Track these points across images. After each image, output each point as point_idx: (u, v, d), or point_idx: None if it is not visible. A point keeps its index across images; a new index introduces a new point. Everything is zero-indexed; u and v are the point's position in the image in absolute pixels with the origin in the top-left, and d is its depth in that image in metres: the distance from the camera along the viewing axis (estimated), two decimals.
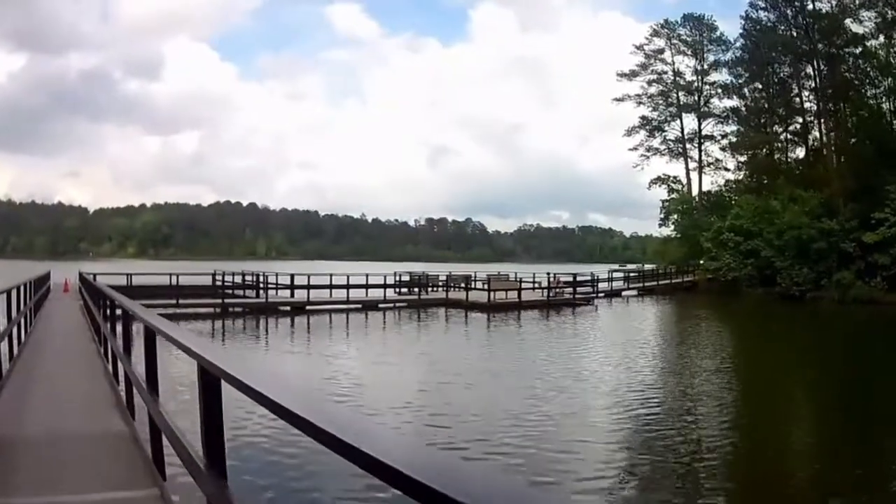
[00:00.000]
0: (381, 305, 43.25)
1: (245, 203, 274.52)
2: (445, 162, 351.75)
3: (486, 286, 47.28)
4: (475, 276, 52.59)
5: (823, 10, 72.08)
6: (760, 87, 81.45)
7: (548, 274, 52.66)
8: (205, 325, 34.01)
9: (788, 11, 75.69)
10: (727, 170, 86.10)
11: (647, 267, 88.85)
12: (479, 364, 23.29)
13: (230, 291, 43.53)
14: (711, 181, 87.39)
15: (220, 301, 39.60)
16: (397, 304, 44.65)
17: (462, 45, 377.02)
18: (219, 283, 44.84)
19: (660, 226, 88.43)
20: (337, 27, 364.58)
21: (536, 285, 51.74)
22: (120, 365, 9.84)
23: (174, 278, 38.72)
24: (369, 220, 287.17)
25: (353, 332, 33.83)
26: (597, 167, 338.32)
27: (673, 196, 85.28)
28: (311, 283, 42.22)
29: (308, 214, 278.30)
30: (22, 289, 16.36)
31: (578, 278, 55.06)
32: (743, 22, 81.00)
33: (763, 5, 77.99)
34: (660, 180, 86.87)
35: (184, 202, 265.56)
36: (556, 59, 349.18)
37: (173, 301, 36.67)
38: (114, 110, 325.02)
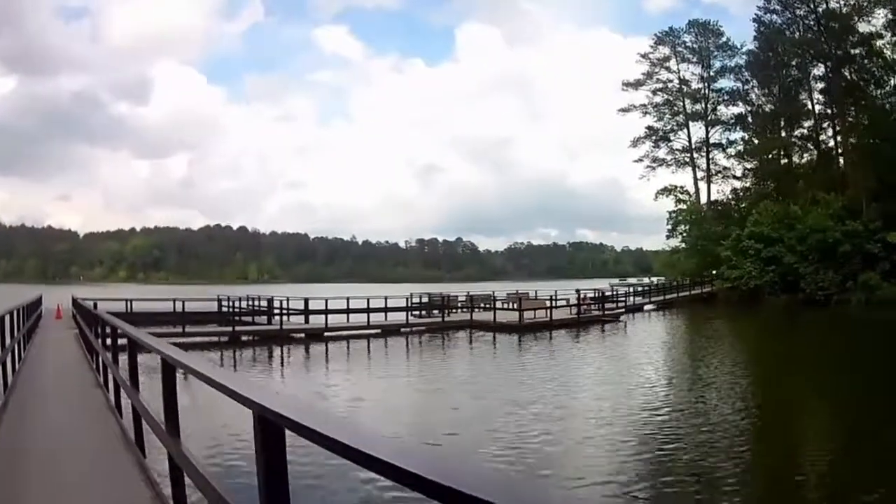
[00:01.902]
0: (402, 330, 39.75)
1: (235, 226, 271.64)
2: (434, 181, 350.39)
3: (514, 306, 44.38)
4: (494, 296, 49.51)
5: (837, 10, 71.12)
6: (776, 90, 79.82)
7: (577, 291, 49.44)
8: (214, 355, 30.49)
9: (800, 12, 74.51)
10: (735, 178, 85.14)
11: (651, 280, 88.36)
12: (572, 404, 19.09)
13: (237, 318, 39.51)
14: (717, 190, 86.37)
15: (230, 329, 35.72)
16: (415, 328, 41.04)
17: (448, 65, 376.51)
18: (226, 309, 41.50)
19: (667, 237, 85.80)
20: (324, 49, 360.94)
21: (564, 303, 48.54)
22: (142, 421, 7.36)
23: (178, 304, 35.14)
24: (359, 242, 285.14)
25: (383, 362, 30.12)
26: (584, 183, 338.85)
27: (680, 206, 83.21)
28: (324, 307, 38.52)
29: (298, 237, 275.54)
30: (10, 317, 14.32)
31: (598, 294, 52.94)
32: (756, 25, 79.67)
33: (776, 7, 76.82)
34: (666, 191, 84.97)
35: (174, 226, 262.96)
36: (543, 76, 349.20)
37: (179, 329, 33.16)
38: (103, 133, 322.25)
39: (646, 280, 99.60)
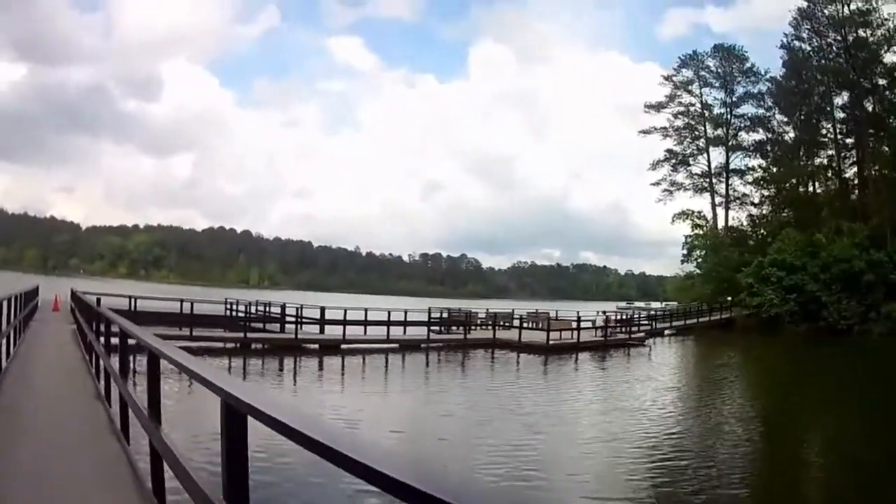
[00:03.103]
0: (423, 346, 37.24)
1: (239, 230, 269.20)
2: (439, 196, 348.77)
3: (538, 325, 42.77)
4: (514, 314, 47.38)
5: (865, 39, 70.22)
6: (798, 117, 78.76)
7: (602, 312, 47.56)
8: (221, 362, 28.01)
9: (829, 40, 73.59)
10: (754, 204, 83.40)
11: (664, 305, 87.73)
12: (643, 439, 16.53)
13: (248, 324, 36.71)
14: (733, 216, 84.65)
15: (241, 335, 33.06)
16: (436, 345, 38.25)
17: (459, 81, 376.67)
18: (239, 314, 39.10)
19: (682, 262, 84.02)
20: (336, 58, 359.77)
21: (588, 324, 46.03)
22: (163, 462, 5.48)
23: (186, 305, 32.51)
24: (363, 254, 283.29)
25: (409, 382, 27.42)
26: (587, 205, 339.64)
27: (696, 232, 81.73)
28: (342, 318, 35.91)
29: (302, 245, 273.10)
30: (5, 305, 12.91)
31: (625, 317, 52.09)
32: (784, 51, 78.36)
33: (804, 35, 75.81)
34: (684, 215, 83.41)
35: (177, 225, 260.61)
36: (551, 96, 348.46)
37: (186, 332, 30.67)
38: (111, 127, 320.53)
39: (654, 304, 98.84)
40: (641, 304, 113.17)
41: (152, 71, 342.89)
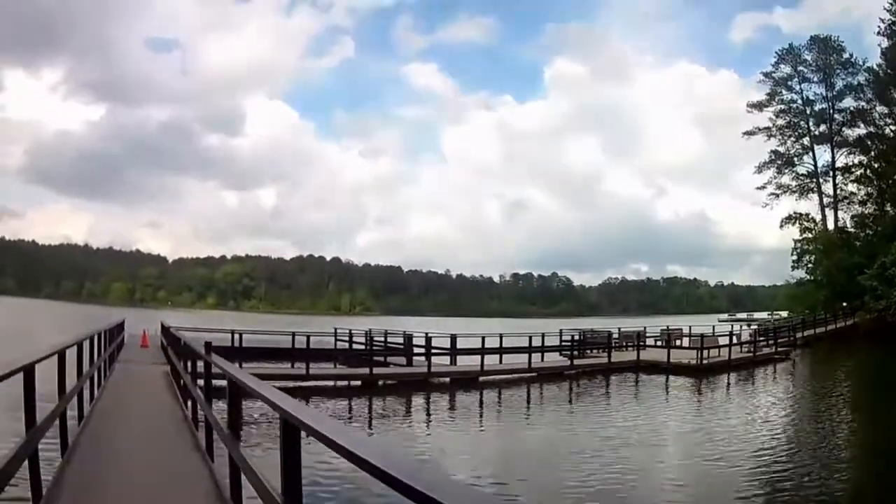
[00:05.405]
0: (566, 373, 32.71)
1: (328, 257, 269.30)
2: (524, 216, 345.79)
3: (692, 344, 38.41)
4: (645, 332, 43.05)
5: None
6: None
7: (749, 325, 42.90)
8: (340, 404, 23.73)
9: None
10: (862, 203, 77.18)
11: (772, 315, 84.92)
12: None
13: (366, 357, 32.17)
14: (841, 217, 79.25)
15: (365, 371, 28.29)
16: (579, 371, 33.81)
17: (537, 101, 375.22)
18: (356, 345, 34.98)
19: (793, 268, 78.19)
20: (413, 85, 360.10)
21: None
22: None
23: (298, 339, 28.18)
24: (453, 276, 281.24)
25: (591, 421, 21.98)
26: (672, 217, 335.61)
27: (806, 235, 76.45)
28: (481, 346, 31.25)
29: (391, 269, 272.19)
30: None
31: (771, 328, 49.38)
32: (884, 38, 73.31)
33: None
34: (791, 219, 78.56)
35: (265, 255, 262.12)
36: (629, 110, 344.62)
37: (301, 370, 26.40)
38: (193, 163, 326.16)
39: (757, 315, 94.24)
40: (744, 316, 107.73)
41: (232, 106, 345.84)
